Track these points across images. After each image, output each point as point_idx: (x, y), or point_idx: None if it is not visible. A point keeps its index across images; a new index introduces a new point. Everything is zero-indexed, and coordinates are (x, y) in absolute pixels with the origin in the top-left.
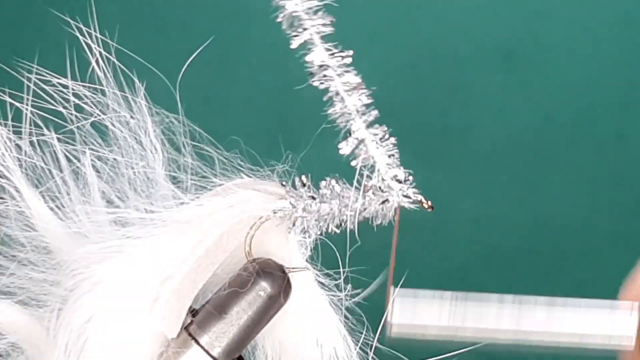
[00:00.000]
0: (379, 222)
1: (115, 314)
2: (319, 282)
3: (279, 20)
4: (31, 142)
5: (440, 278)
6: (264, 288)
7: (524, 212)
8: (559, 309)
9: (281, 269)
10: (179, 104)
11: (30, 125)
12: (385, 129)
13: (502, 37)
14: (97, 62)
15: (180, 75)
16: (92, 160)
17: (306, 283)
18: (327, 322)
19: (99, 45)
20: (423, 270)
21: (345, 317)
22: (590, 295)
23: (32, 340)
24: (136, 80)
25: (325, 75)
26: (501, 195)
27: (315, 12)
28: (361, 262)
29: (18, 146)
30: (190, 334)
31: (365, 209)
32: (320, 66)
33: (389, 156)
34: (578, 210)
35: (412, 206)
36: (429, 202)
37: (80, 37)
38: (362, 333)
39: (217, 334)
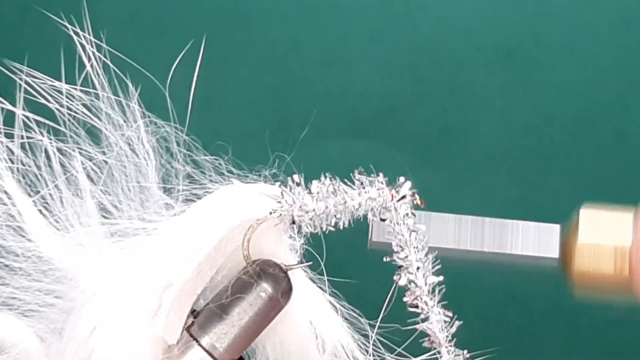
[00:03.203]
0: (376, 218)
1: (118, 325)
2: (312, 279)
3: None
4: (22, 146)
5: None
6: (264, 289)
7: (524, 212)
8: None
9: (281, 269)
10: (171, 110)
11: (22, 128)
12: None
13: (502, 37)
14: (91, 63)
15: (169, 78)
16: (85, 166)
17: (305, 283)
18: (329, 319)
19: (92, 46)
20: None
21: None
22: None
23: (32, 354)
24: (130, 86)
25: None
26: (501, 195)
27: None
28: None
29: (10, 150)
30: (191, 335)
31: (360, 206)
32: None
33: None
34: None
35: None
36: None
37: (75, 38)
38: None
39: (218, 334)
